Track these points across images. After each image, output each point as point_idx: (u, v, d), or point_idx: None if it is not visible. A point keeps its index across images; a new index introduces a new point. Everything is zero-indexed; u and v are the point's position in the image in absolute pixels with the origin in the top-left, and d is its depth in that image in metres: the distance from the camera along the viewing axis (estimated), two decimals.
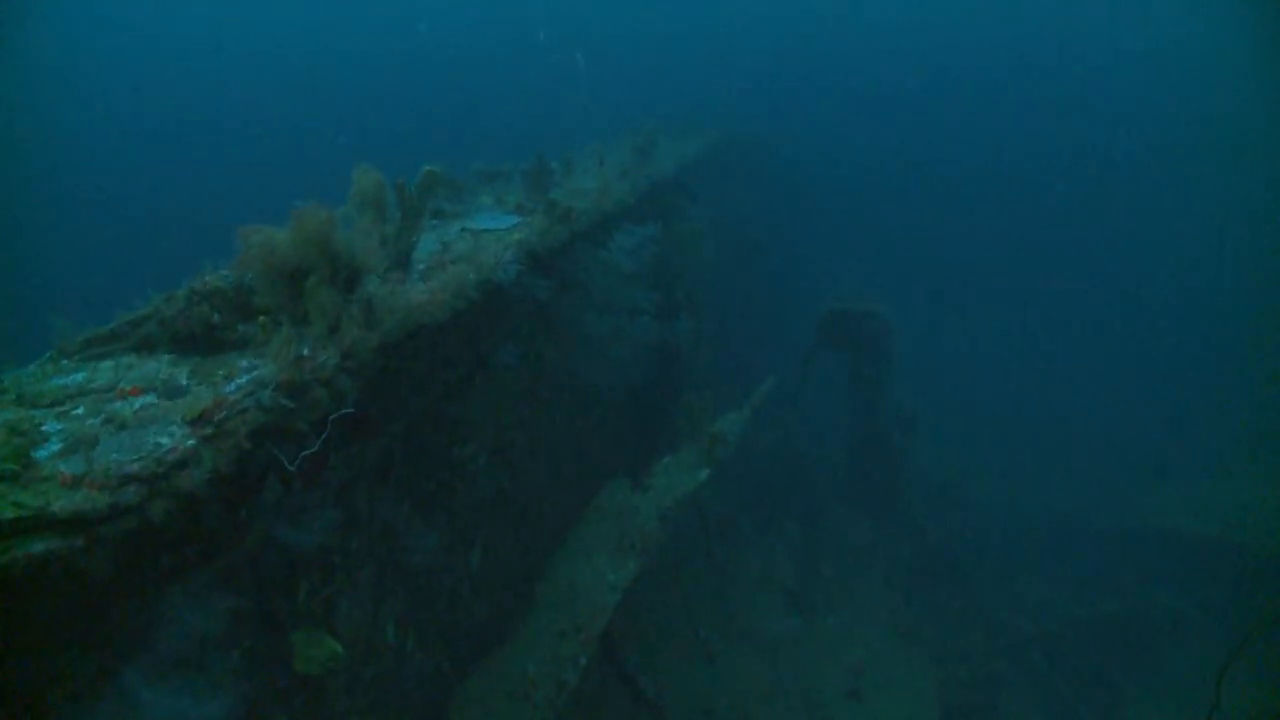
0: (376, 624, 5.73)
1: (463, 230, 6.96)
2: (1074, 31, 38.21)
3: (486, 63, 41.44)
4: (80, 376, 3.73)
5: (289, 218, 3.99)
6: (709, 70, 34.44)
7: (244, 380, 3.50)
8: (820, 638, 11.35)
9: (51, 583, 2.67)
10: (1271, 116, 28.51)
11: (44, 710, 2.94)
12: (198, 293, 4.09)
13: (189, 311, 4.04)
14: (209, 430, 3.12)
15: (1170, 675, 11.90)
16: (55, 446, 2.98)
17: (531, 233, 6.50)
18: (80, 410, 3.34)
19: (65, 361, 3.95)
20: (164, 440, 2.96)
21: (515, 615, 7.49)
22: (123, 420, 3.16)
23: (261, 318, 4.13)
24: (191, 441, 3.02)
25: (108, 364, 3.90)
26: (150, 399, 3.49)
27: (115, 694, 3.13)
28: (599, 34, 38.52)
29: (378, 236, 5.35)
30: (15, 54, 33.21)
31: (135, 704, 3.17)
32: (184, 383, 3.65)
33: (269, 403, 3.48)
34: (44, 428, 3.14)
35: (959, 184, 32.39)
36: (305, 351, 3.86)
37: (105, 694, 3.11)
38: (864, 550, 13.34)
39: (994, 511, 16.02)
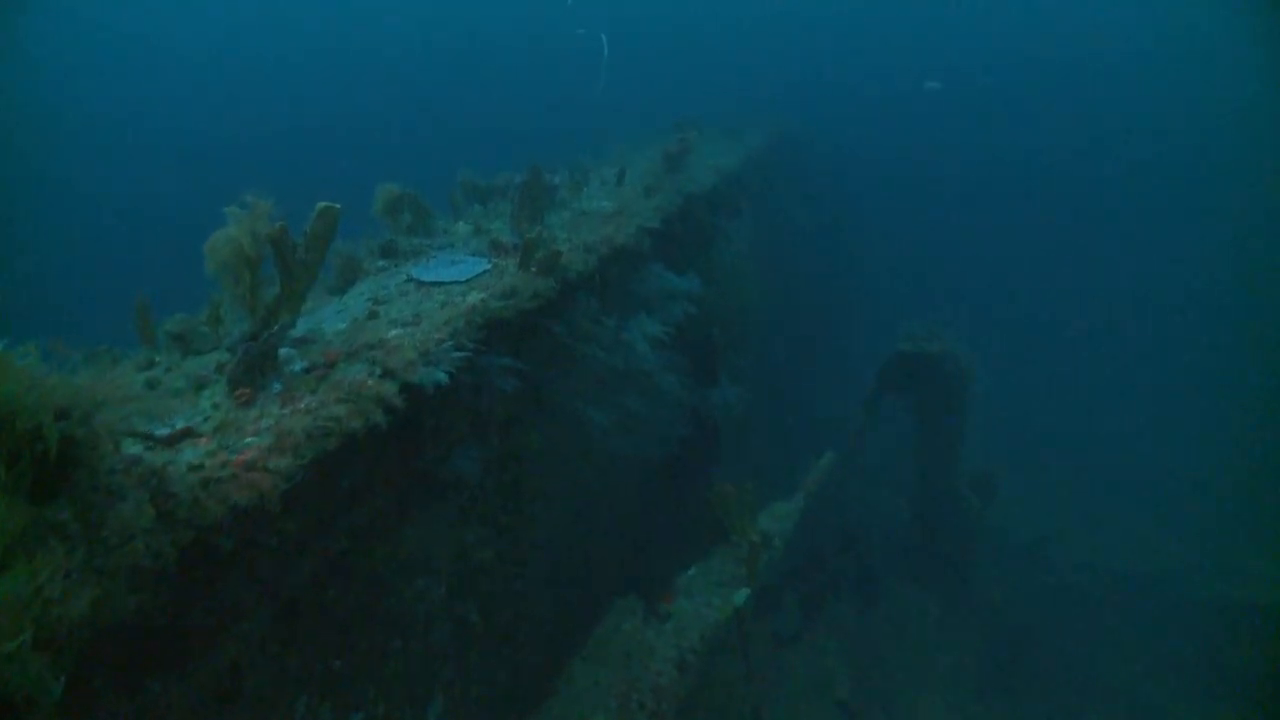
0: None
1: (408, 280, 4.95)
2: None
3: (505, 49, 39.13)
4: None
5: None
6: (763, 68, 32.10)
7: None
8: None
9: None
10: None
11: None
12: None
13: None
14: None
15: None
16: None
17: (496, 291, 4.45)
18: None
19: None
20: None
21: None
22: None
23: None
24: None
25: None
26: None
27: None
28: (639, 24, 36.23)
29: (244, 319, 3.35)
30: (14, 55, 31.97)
31: None
32: None
33: None
34: None
35: (1035, 198, 29.94)
36: None
37: None
38: (930, 639, 11.13)
39: (1077, 580, 13.67)
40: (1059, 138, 32.39)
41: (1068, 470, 17.01)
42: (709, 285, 8.42)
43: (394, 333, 3.88)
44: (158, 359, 4.10)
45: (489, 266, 5.00)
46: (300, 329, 4.56)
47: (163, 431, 2.78)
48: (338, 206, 3.68)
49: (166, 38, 38.62)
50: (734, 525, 6.75)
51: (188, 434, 2.71)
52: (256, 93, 36.26)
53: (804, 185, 16.65)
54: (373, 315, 4.31)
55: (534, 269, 4.77)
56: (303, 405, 2.99)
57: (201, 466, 2.57)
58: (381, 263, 5.44)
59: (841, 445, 11.96)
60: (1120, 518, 15.54)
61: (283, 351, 3.54)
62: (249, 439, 2.77)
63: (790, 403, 14.56)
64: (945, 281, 24.77)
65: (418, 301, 4.47)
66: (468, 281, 4.74)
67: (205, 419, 3.02)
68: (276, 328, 3.26)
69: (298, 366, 3.39)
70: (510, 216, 5.91)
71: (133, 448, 2.55)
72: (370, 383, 3.21)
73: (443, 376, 3.61)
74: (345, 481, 3.83)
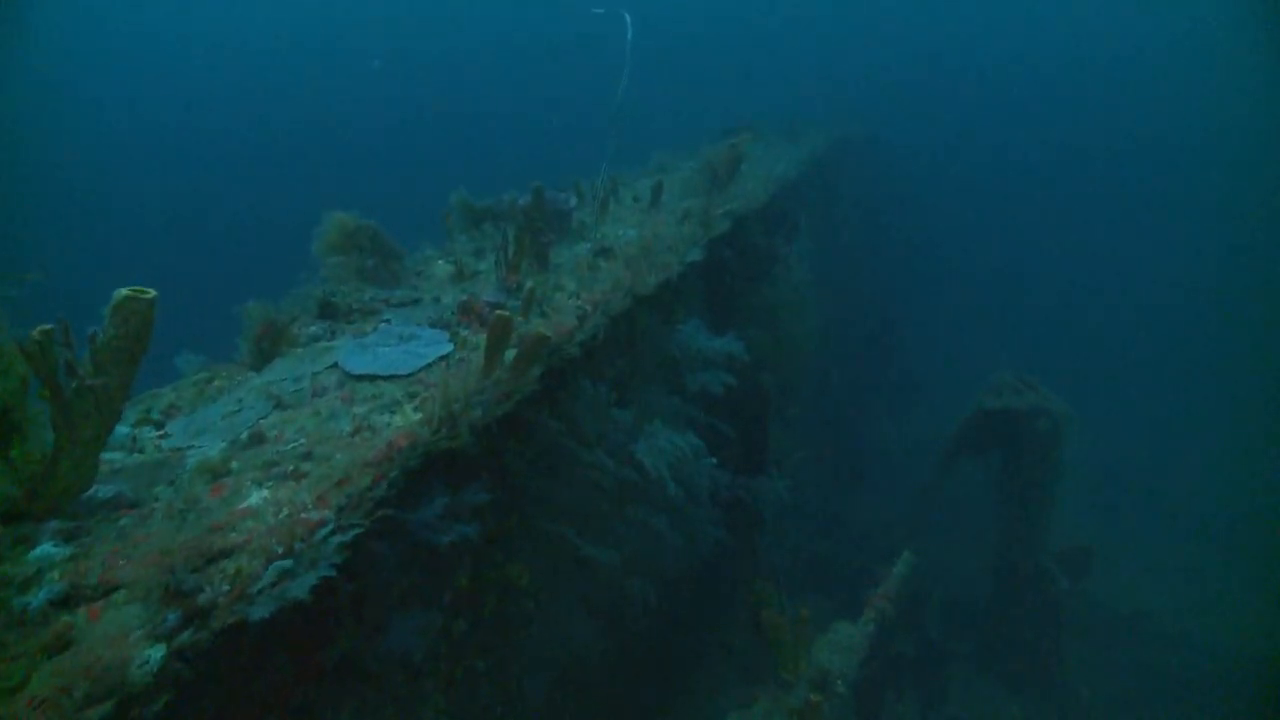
0: None
1: (333, 367, 3.45)
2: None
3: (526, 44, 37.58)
4: None
5: None
6: (827, 70, 30.50)
7: None
8: None
9: None
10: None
11: None
12: None
13: None
14: None
15: None
16: None
17: (441, 404, 2.92)
18: None
19: None
20: None
21: None
22: None
23: None
24: None
25: None
26: None
27: None
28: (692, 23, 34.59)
29: None
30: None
31: None
32: None
33: None
34: None
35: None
36: None
37: None
38: None
39: (1171, 662, 11.74)
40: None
41: (1153, 522, 15.01)
42: (762, 327, 6.83)
43: (256, 498, 2.38)
44: None
45: (450, 348, 3.49)
46: (177, 436, 3.11)
47: None
48: (151, 295, 2.19)
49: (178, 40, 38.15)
50: (785, 662, 5.18)
51: None
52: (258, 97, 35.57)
53: (868, 193, 14.88)
54: (257, 439, 2.82)
55: (510, 358, 3.24)
56: None
57: None
58: (314, 328, 3.95)
59: (911, 508, 10.32)
60: (1210, 575, 13.54)
61: (38, 554, 2.05)
62: None
63: (849, 436, 12.88)
64: (1026, 296, 22.88)
65: (327, 415, 2.96)
66: (411, 376, 3.23)
67: None
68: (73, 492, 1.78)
69: (38, 600, 1.89)
70: (497, 261, 4.37)
71: None
72: (133, 653, 1.71)
73: (301, 593, 2.10)
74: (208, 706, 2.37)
